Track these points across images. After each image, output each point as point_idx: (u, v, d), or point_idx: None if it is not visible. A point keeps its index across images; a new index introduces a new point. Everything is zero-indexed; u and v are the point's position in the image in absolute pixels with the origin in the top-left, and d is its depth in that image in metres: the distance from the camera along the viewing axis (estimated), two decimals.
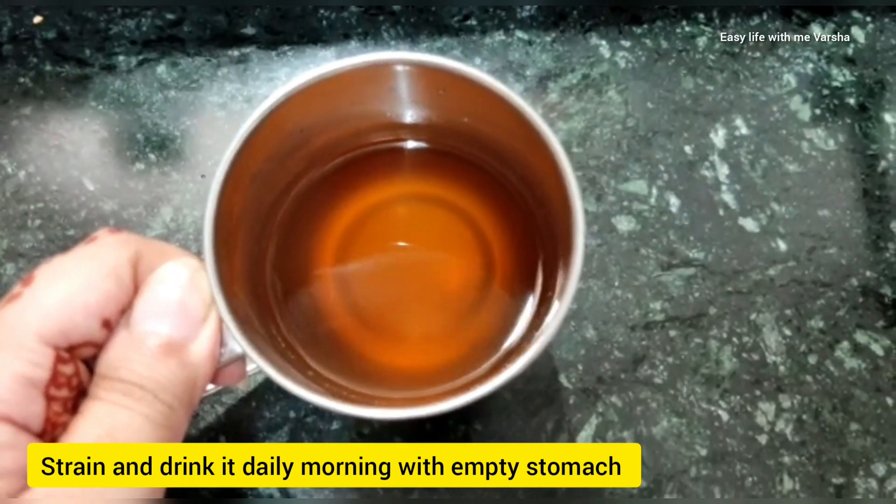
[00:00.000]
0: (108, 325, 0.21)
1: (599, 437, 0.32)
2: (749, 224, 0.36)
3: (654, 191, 0.36)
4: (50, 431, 0.20)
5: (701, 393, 0.32)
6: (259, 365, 0.22)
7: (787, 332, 0.34)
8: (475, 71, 0.25)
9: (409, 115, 0.30)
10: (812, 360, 0.33)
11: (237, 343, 0.22)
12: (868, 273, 0.35)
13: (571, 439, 0.31)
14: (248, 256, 0.28)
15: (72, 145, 0.36)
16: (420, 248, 0.31)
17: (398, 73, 0.26)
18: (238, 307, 0.24)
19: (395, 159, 0.32)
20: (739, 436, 0.32)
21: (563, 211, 0.24)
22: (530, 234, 0.30)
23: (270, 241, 0.30)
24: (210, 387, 0.28)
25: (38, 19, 0.39)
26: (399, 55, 0.25)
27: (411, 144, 0.32)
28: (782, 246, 0.35)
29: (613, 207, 0.36)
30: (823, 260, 0.35)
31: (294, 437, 0.31)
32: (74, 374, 0.21)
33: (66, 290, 0.20)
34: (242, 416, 0.32)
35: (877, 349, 0.33)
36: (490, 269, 0.30)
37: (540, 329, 0.26)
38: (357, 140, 0.31)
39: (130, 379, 0.20)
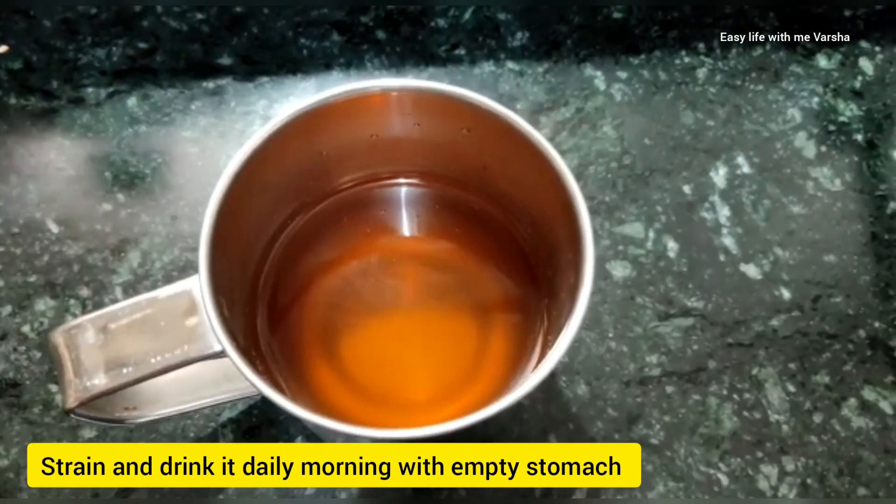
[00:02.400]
0: None
1: (591, 502, 0.30)
2: (751, 270, 0.34)
3: (651, 234, 0.34)
4: None
5: (699, 455, 0.30)
6: (235, 363, 0.21)
7: (791, 388, 0.32)
8: (504, 109, 0.24)
9: (427, 156, 0.28)
10: (817, 418, 0.31)
11: (215, 336, 0.21)
12: (877, 324, 0.33)
13: None
14: (240, 292, 0.27)
15: (36, 184, 0.34)
16: (418, 302, 0.29)
17: (426, 103, 0.25)
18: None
19: (399, 202, 0.30)
20: (740, 502, 0.30)
21: (572, 255, 0.23)
22: (534, 289, 0.28)
23: (263, 282, 0.28)
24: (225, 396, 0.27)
25: (3, 49, 0.37)
26: (430, 85, 0.24)
27: (418, 189, 0.30)
28: (786, 294, 0.33)
29: (608, 252, 0.34)
30: (829, 309, 0.33)
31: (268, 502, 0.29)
32: None
33: None
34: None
35: (885, 407, 0.31)
36: (491, 322, 0.28)
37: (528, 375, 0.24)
38: (363, 177, 0.30)
39: None
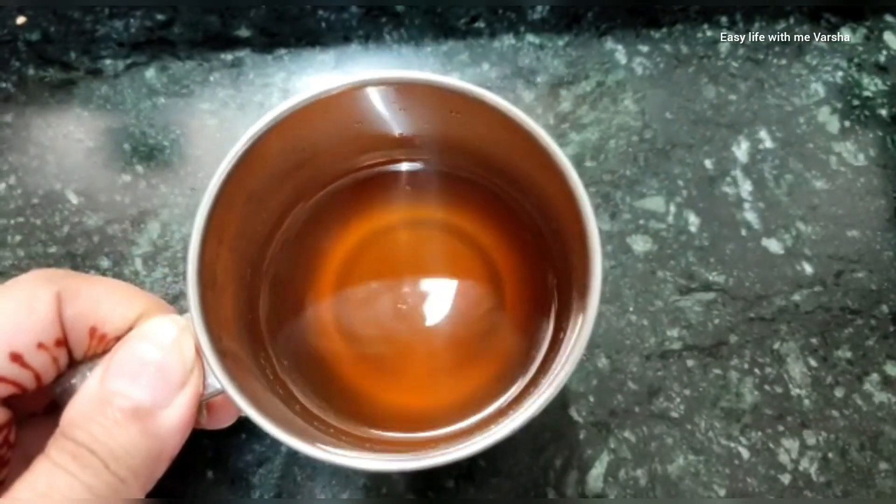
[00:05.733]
0: (19, 360, 0.19)
1: (611, 475, 0.30)
2: (773, 245, 0.33)
3: (673, 208, 0.34)
4: None
5: (720, 428, 0.30)
6: (237, 403, 0.20)
7: (813, 362, 0.31)
8: (488, 93, 0.23)
9: (419, 137, 0.28)
10: (839, 393, 0.31)
11: (217, 380, 0.20)
12: None
13: (581, 477, 0.30)
14: (240, 282, 0.26)
15: (55, 155, 0.34)
16: (425, 277, 0.29)
17: (409, 93, 0.24)
18: (223, 338, 0.22)
19: (401, 182, 0.30)
20: (761, 475, 0.30)
21: (578, 240, 0.22)
22: (543, 263, 0.28)
23: (266, 266, 0.28)
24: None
25: (21, 20, 0.37)
26: (412, 75, 0.23)
27: (418, 167, 0.30)
28: (808, 269, 0.33)
29: (629, 226, 0.34)
30: (852, 284, 0.33)
31: (286, 474, 0.29)
32: None
33: None
34: (232, 448, 0.30)
35: None
36: (500, 299, 0.28)
37: (551, 369, 0.24)
38: (361, 160, 0.29)
39: (84, 441, 0.18)
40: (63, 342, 0.20)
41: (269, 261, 0.28)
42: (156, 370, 0.19)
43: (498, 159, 0.27)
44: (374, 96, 0.24)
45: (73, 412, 0.19)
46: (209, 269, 0.22)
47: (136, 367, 0.19)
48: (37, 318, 0.20)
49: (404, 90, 0.24)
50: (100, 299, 0.21)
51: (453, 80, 0.23)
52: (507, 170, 0.27)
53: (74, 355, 0.21)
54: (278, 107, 0.23)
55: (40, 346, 0.20)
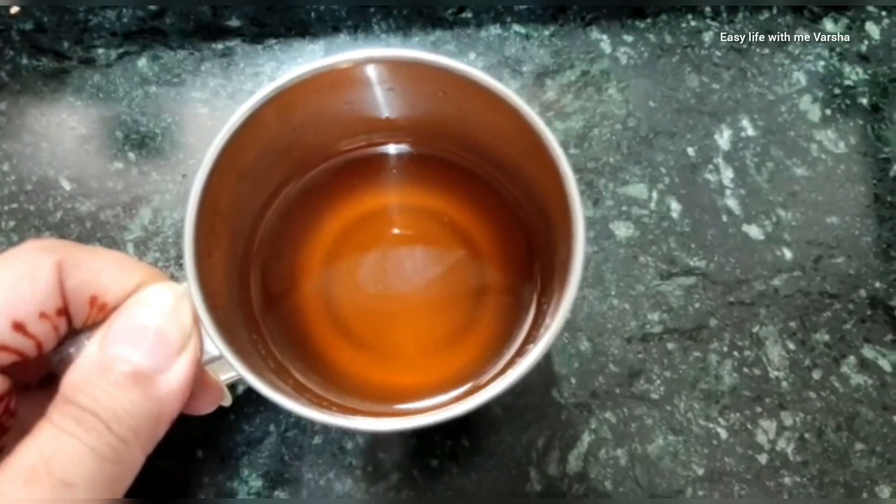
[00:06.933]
0: (21, 329, 0.20)
1: (592, 454, 0.30)
2: (753, 231, 0.34)
3: (655, 195, 0.35)
4: None
5: (699, 409, 0.31)
6: (235, 368, 0.21)
7: (791, 345, 0.32)
8: (478, 72, 0.23)
9: (407, 119, 0.28)
10: (816, 375, 0.32)
11: (214, 344, 0.21)
12: (877, 284, 0.33)
13: (563, 457, 0.30)
14: (232, 258, 0.27)
15: (48, 143, 0.35)
16: (411, 259, 0.29)
17: (400, 72, 0.25)
18: (218, 310, 0.23)
19: (389, 165, 0.30)
20: (738, 455, 0.30)
21: (563, 220, 0.23)
22: (526, 244, 0.29)
23: (258, 245, 0.29)
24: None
25: (14, 10, 0.37)
26: (401, 53, 0.24)
27: (406, 149, 0.30)
28: (788, 255, 0.34)
29: (611, 212, 0.34)
30: (831, 270, 0.33)
31: (274, 453, 0.30)
32: None
33: None
34: (221, 428, 0.30)
35: (884, 365, 0.32)
36: (484, 280, 0.28)
37: (533, 341, 0.25)
38: (351, 143, 0.30)
39: (87, 405, 0.19)
40: (63, 311, 0.21)
41: (260, 239, 0.29)
42: (155, 335, 0.20)
43: (484, 141, 0.27)
44: (366, 75, 0.25)
45: (75, 377, 0.19)
46: (205, 239, 0.23)
47: (136, 333, 0.20)
48: (38, 287, 0.20)
49: (395, 69, 0.25)
50: (100, 269, 0.21)
51: (444, 59, 0.23)
52: (493, 152, 0.28)
53: (74, 324, 0.22)
54: (273, 82, 0.23)
55: (42, 315, 0.20)
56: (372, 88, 0.26)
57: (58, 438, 0.18)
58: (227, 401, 0.23)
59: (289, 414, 0.30)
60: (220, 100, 0.36)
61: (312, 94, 0.25)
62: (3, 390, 0.21)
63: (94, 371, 0.19)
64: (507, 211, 0.29)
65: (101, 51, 0.37)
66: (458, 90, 0.24)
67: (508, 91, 0.23)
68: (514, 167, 0.27)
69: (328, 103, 0.26)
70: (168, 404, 0.20)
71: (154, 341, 0.20)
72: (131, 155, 0.35)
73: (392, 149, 0.30)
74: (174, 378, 0.20)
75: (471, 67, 0.23)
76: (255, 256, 0.29)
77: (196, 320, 0.21)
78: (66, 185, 0.34)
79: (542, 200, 0.26)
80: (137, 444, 0.19)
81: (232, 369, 0.25)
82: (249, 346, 0.26)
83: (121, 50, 0.37)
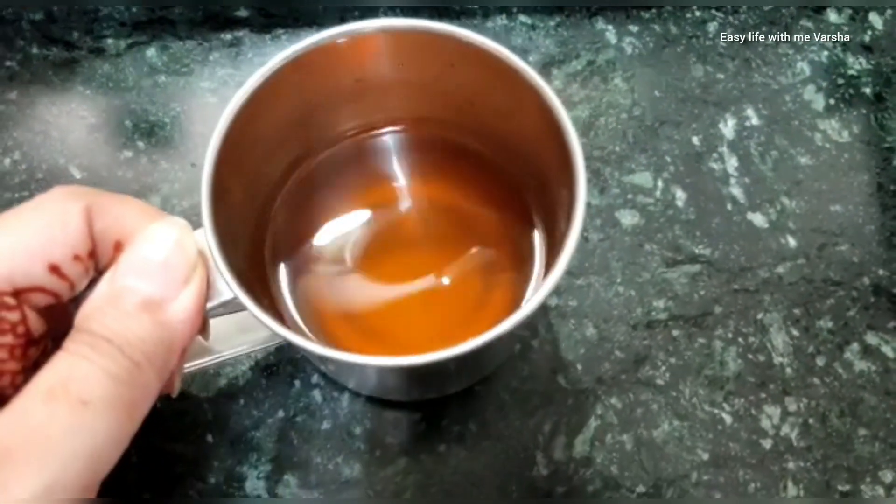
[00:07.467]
0: (57, 271, 0.21)
1: (598, 439, 0.31)
2: (758, 219, 0.34)
3: (660, 183, 0.35)
4: None
5: (704, 395, 0.31)
6: (248, 307, 0.21)
7: (795, 332, 0.32)
8: (489, 41, 0.24)
9: (416, 96, 0.28)
10: (820, 361, 0.32)
11: (226, 283, 0.21)
12: (881, 271, 0.33)
13: (569, 442, 0.30)
14: (245, 227, 0.27)
15: (58, 132, 0.35)
16: (420, 245, 0.30)
17: (410, 44, 0.25)
18: (231, 257, 0.23)
19: (396, 150, 0.31)
20: (743, 440, 0.31)
21: (566, 193, 0.23)
22: (529, 220, 0.29)
23: (270, 222, 0.29)
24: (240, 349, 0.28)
25: None
26: (416, 22, 0.24)
27: (412, 134, 0.31)
28: (792, 242, 0.34)
29: (617, 201, 0.34)
30: (834, 257, 0.34)
31: (283, 437, 0.30)
32: (21, 321, 0.21)
33: (7, 235, 0.20)
34: (231, 412, 0.31)
35: (888, 351, 0.32)
36: (491, 262, 0.29)
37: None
38: (361, 125, 0.30)
39: (99, 332, 0.19)
40: (93, 254, 0.22)
41: (272, 216, 0.29)
42: (161, 267, 0.21)
43: (488, 117, 0.28)
44: (377, 46, 0.25)
45: (87, 308, 0.20)
46: (220, 197, 0.23)
47: (143, 265, 0.21)
48: (70, 231, 0.21)
49: (405, 41, 0.25)
50: (124, 214, 0.22)
51: (456, 28, 0.24)
52: (497, 130, 0.28)
53: (99, 268, 0.22)
54: (293, 46, 0.23)
55: (76, 257, 0.21)
56: (383, 61, 0.26)
57: (73, 362, 0.19)
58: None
59: (297, 399, 0.31)
60: (229, 89, 0.36)
61: (326, 65, 0.25)
62: (40, 332, 0.21)
63: (105, 301, 0.20)
64: (511, 190, 0.29)
65: (110, 41, 0.37)
66: (468, 62, 0.25)
67: (520, 61, 0.23)
68: (516, 136, 0.28)
69: (341, 76, 0.27)
70: (178, 332, 0.21)
71: (161, 272, 0.21)
72: (140, 144, 0.35)
73: (399, 134, 0.30)
74: (182, 306, 0.21)
75: (481, 36, 0.23)
76: (266, 246, 0.29)
77: (201, 256, 0.22)
78: (77, 174, 0.34)
79: (543, 175, 0.27)
80: (151, 368, 0.20)
81: (199, 357, 0.26)
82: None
83: (130, 40, 0.37)
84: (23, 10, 0.37)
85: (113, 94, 0.36)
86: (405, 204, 0.30)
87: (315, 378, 0.31)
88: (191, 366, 0.27)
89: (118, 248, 0.22)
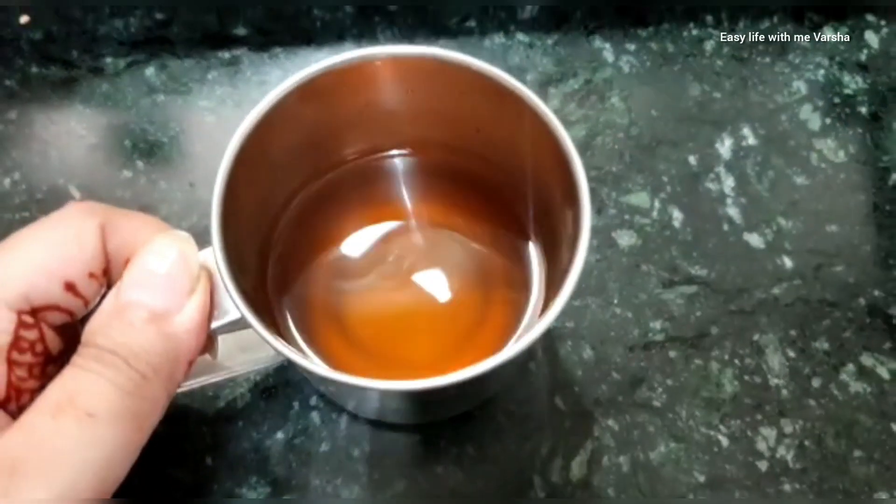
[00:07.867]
0: (72, 289, 0.21)
1: (594, 462, 0.31)
2: (754, 240, 0.34)
3: (657, 204, 0.35)
4: (15, 398, 0.20)
5: (700, 417, 0.32)
6: (254, 327, 0.21)
7: (791, 353, 0.33)
8: (500, 72, 0.24)
9: (424, 126, 0.29)
10: (816, 383, 0.32)
11: (233, 302, 0.21)
12: (876, 292, 0.34)
13: (566, 464, 0.31)
14: (251, 246, 0.27)
15: (57, 151, 0.35)
16: (421, 268, 0.30)
17: (419, 72, 0.25)
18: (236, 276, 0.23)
19: (402, 174, 0.31)
20: (739, 462, 0.31)
21: (571, 223, 0.24)
22: (532, 250, 0.29)
23: (274, 242, 0.29)
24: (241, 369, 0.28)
25: (24, 19, 0.37)
26: (422, 50, 0.25)
27: (418, 159, 0.31)
28: (788, 263, 0.34)
29: (614, 221, 0.35)
30: (830, 278, 0.34)
31: (282, 459, 0.30)
32: (39, 339, 0.21)
33: (25, 253, 0.20)
34: (230, 434, 0.31)
35: (883, 373, 0.32)
36: (489, 301, 0.29)
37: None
38: (367, 148, 0.30)
39: (104, 345, 0.20)
40: (107, 271, 0.22)
41: (277, 238, 0.29)
42: (165, 279, 0.21)
43: (494, 145, 0.28)
44: (387, 73, 0.25)
45: (93, 323, 0.20)
46: (229, 218, 0.23)
47: (147, 278, 0.21)
48: (86, 248, 0.21)
49: (415, 68, 0.25)
50: (137, 232, 0.22)
51: (466, 57, 0.24)
52: (502, 157, 0.28)
53: (111, 284, 0.22)
54: (304, 70, 0.24)
55: (91, 275, 0.21)
56: (391, 88, 0.26)
57: (79, 376, 0.19)
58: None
59: (296, 421, 0.31)
60: (227, 108, 0.36)
61: (337, 90, 0.26)
62: (58, 350, 0.22)
63: (110, 315, 0.21)
64: (513, 213, 0.30)
65: (109, 60, 0.37)
66: (477, 90, 0.25)
67: (532, 94, 0.24)
68: (523, 164, 0.28)
69: (350, 101, 0.27)
70: (184, 343, 0.21)
71: (165, 284, 0.21)
72: (140, 163, 0.35)
73: (405, 157, 0.31)
74: (187, 318, 0.21)
75: (492, 67, 0.24)
76: (270, 267, 0.29)
77: (206, 269, 0.22)
78: (76, 194, 0.34)
79: (547, 201, 0.27)
80: (158, 380, 0.20)
81: (205, 373, 0.26)
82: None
83: (129, 59, 0.37)
84: (22, 29, 0.37)
85: (112, 114, 0.36)
86: (408, 227, 0.30)
87: (314, 400, 0.31)
88: (197, 382, 0.27)
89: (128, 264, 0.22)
